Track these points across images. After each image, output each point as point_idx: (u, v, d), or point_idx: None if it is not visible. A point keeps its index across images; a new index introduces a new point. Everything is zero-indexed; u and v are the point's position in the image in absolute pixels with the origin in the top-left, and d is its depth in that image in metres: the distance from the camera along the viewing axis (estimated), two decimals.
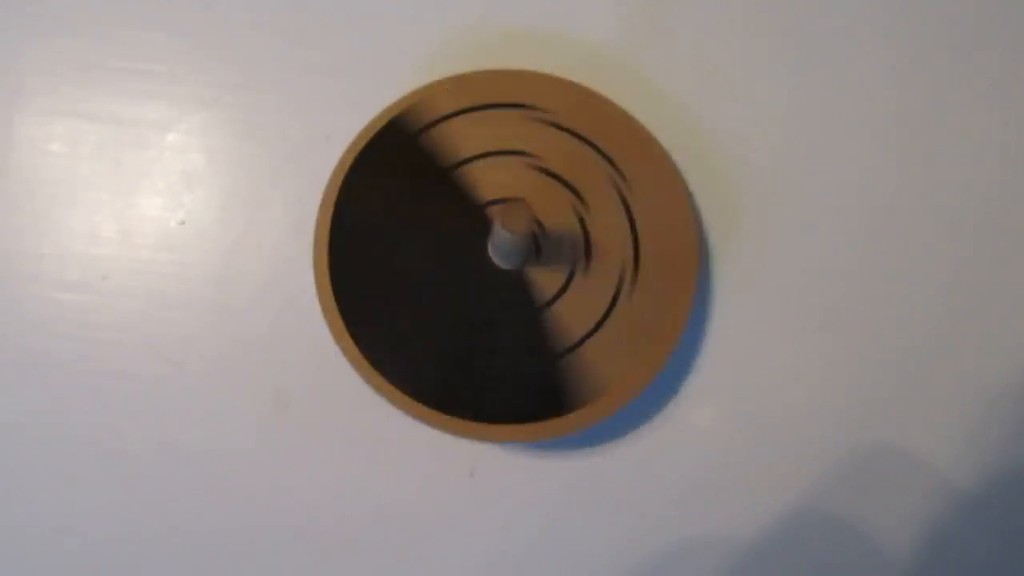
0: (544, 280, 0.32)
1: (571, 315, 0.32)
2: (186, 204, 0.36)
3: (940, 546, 0.34)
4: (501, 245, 0.30)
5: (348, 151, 0.32)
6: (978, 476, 0.34)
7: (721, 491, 0.35)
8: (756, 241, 0.35)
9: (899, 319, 0.34)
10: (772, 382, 0.35)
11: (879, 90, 0.34)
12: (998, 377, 0.34)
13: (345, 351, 0.32)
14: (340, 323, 0.32)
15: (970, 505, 0.34)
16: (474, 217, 0.32)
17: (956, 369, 0.34)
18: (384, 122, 0.32)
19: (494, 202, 0.32)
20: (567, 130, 0.32)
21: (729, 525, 0.35)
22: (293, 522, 0.36)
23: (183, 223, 0.36)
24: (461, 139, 0.32)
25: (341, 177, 0.32)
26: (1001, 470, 0.34)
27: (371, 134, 0.32)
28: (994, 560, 0.34)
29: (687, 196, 0.32)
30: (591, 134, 0.32)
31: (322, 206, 0.32)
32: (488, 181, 0.32)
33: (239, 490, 0.36)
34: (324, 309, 0.32)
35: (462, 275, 0.32)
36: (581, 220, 0.32)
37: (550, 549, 0.35)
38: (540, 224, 0.32)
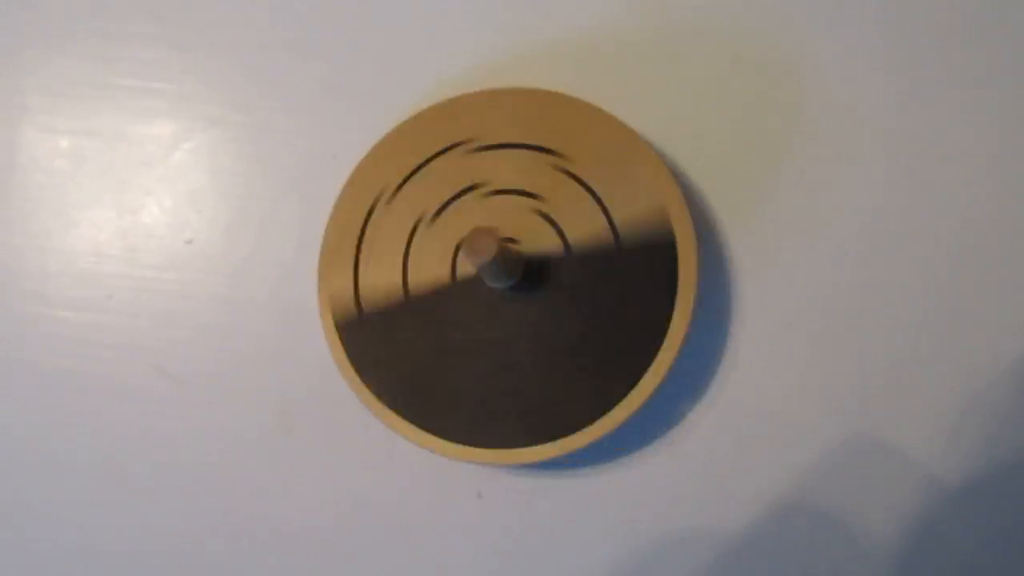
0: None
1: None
2: (192, 223, 0.36)
3: (928, 540, 0.34)
4: (481, 272, 0.30)
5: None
6: (965, 471, 0.34)
7: (729, 502, 0.35)
8: (753, 246, 0.35)
9: (888, 318, 0.35)
10: (762, 380, 0.35)
11: (879, 105, 0.35)
12: (983, 372, 0.34)
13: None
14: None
15: (957, 500, 0.34)
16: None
17: (942, 365, 0.34)
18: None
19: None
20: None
21: (730, 528, 0.35)
22: (296, 541, 0.36)
23: (190, 242, 0.36)
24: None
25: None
26: (988, 465, 0.34)
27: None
28: (981, 554, 0.34)
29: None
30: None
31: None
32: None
33: (241, 508, 0.36)
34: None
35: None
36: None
37: (558, 569, 0.35)
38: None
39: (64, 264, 0.36)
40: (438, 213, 0.33)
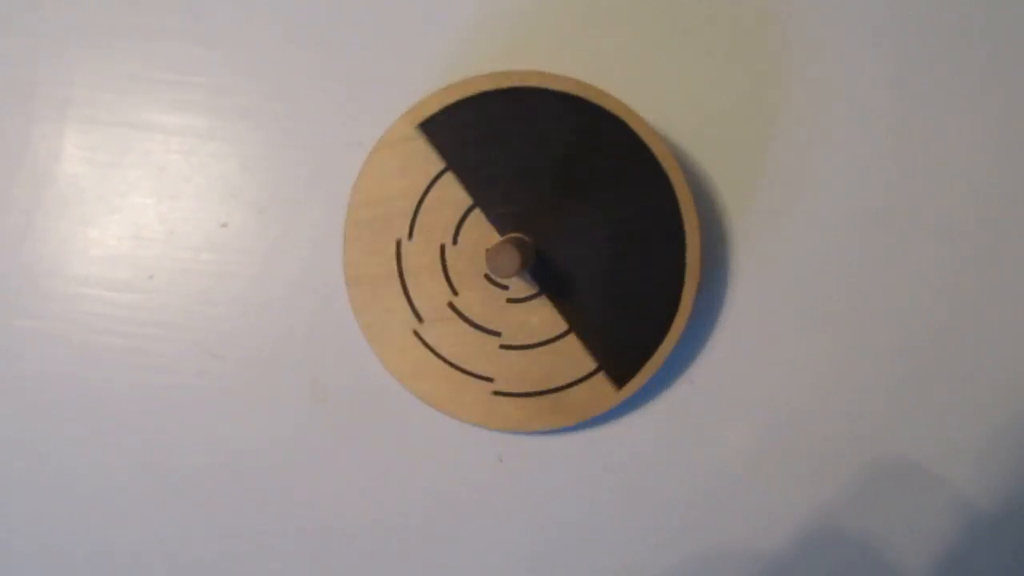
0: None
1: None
2: (227, 207, 0.38)
3: (953, 560, 0.35)
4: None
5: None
6: (994, 490, 0.35)
7: (733, 487, 0.36)
8: (774, 244, 0.36)
9: (917, 329, 0.35)
10: (795, 386, 0.36)
11: (877, 95, 0.36)
12: (1017, 386, 0.35)
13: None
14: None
15: (984, 519, 0.35)
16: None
17: (972, 380, 0.35)
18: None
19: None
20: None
21: (747, 521, 0.36)
22: (328, 509, 0.38)
23: (225, 225, 0.38)
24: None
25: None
26: (1018, 483, 0.35)
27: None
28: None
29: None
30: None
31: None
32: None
33: (276, 474, 0.38)
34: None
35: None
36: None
37: (576, 528, 0.37)
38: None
39: (107, 247, 0.38)
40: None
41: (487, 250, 0.30)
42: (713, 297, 0.36)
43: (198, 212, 0.38)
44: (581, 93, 0.33)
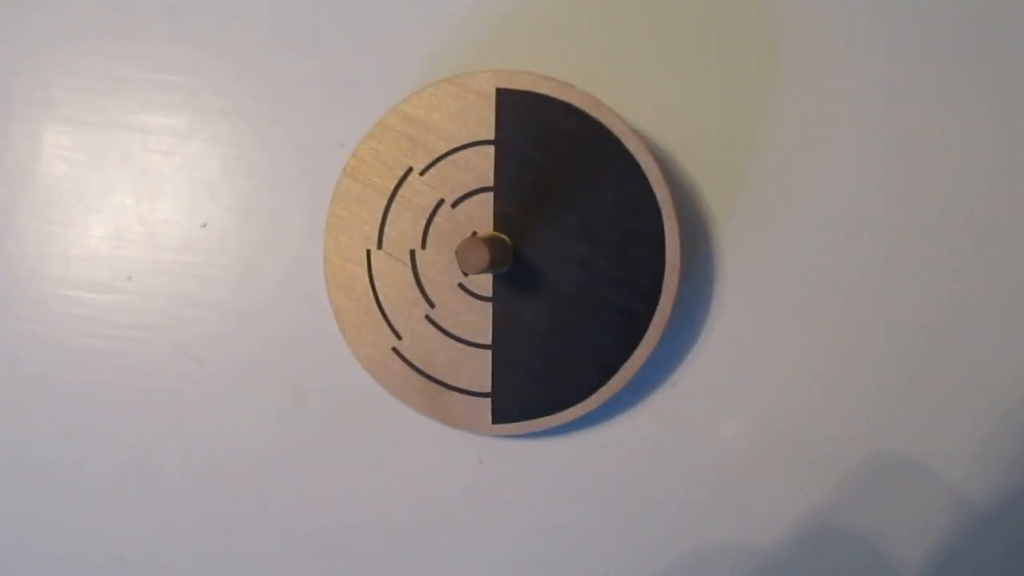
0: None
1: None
2: (207, 208, 0.37)
3: (952, 559, 0.35)
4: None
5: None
6: (992, 487, 0.35)
7: (725, 488, 0.36)
8: (765, 244, 0.36)
9: (912, 325, 0.35)
10: (783, 387, 0.36)
11: (868, 100, 0.36)
12: (1014, 384, 0.35)
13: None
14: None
15: (984, 518, 0.35)
16: None
17: (971, 375, 0.35)
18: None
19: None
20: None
21: (734, 523, 0.36)
22: (309, 514, 0.37)
23: (205, 226, 0.38)
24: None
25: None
26: (1017, 481, 0.35)
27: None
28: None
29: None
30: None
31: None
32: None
33: (259, 481, 0.38)
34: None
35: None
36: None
37: (558, 532, 0.37)
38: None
39: (86, 248, 0.38)
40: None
41: (460, 242, 0.30)
42: (698, 298, 0.36)
43: (178, 213, 0.38)
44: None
